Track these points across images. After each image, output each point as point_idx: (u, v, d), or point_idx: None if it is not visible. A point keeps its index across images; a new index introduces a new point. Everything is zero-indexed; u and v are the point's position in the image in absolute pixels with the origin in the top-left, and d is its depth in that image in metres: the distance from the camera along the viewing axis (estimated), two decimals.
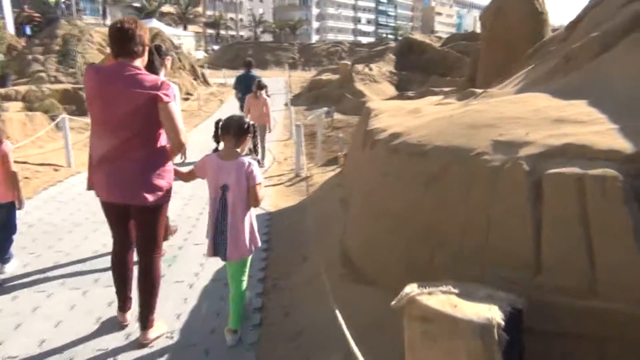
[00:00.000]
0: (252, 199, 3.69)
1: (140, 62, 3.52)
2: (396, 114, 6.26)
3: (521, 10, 15.23)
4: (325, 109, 11.65)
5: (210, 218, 3.76)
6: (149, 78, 3.42)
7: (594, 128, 3.51)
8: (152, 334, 3.90)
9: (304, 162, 10.43)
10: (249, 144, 3.88)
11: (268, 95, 11.18)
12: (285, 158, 12.85)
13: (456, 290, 2.75)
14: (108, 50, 4.53)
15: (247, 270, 3.96)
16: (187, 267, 5.66)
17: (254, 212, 3.87)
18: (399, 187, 4.22)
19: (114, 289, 4.15)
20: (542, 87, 5.02)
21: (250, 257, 3.94)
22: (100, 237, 6.35)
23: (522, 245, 3.16)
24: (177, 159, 4.28)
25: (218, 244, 3.69)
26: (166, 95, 3.37)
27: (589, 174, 2.96)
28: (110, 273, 4.10)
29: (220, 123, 3.74)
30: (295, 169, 10.49)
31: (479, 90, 6.44)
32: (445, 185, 3.75)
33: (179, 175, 3.91)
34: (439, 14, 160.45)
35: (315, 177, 9.72)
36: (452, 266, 3.46)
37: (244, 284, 3.93)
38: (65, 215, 7.43)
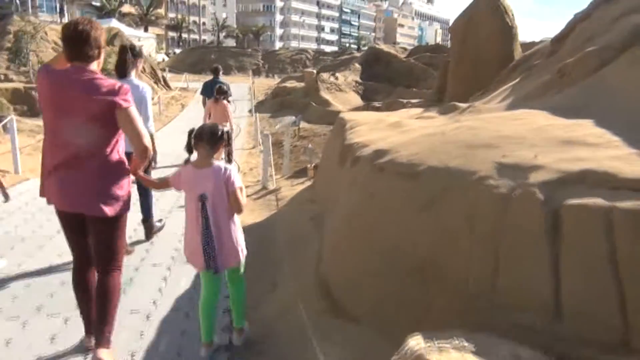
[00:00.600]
0: (235, 205, 3.55)
1: (96, 65, 3.34)
2: (376, 128, 5.84)
3: (491, 24, 15.13)
4: (293, 118, 11.15)
5: (191, 232, 3.60)
6: (106, 83, 3.23)
7: (612, 152, 3.14)
8: (106, 357, 3.46)
9: (272, 172, 9.92)
10: (223, 154, 3.72)
11: (229, 101, 10.87)
12: (251, 168, 12.30)
13: (472, 347, 2.30)
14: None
15: (244, 270, 3.91)
16: (144, 292, 5.07)
17: (237, 218, 3.71)
18: (388, 211, 3.77)
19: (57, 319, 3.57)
20: (537, 103, 4.67)
21: (244, 259, 3.85)
22: (48, 255, 5.70)
23: (537, 286, 2.74)
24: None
25: (208, 256, 3.54)
26: (125, 100, 3.21)
27: (618, 207, 2.57)
28: (55, 299, 3.55)
29: (194, 132, 3.59)
30: (262, 180, 9.96)
31: (462, 104, 6.09)
32: (444, 213, 3.32)
33: (149, 185, 3.84)
34: (401, 25, 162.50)
35: (284, 190, 9.22)
36: (454, 307, 3.02)
37: (244, 284, 3.93)
38: (10, 228, 6.71)
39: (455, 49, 15.51)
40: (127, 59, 5.40)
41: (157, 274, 5.48)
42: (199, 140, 3.54)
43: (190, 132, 3.60)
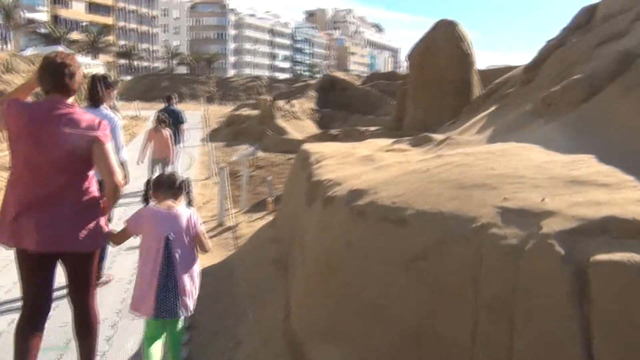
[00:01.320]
0: (202, 246, 3.60)
1: (72, 99, 3.34)
2: (345, 162, 5.35)
3: (449, 52, 15.07)
4: (251, 148, 10.57)
5: (145, 275, 3.45)
6: (85, 117, 3.27)
7: (631, 194, 2.72)
8: None
9: (230, 205, 9.29)
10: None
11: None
12: (205, 201, 11.60)
13: None
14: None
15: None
16: None
17: (199, 265, 3.65)
18: (369, 264, 3.25)
19: None
20: (523, 134, 4.28)
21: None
22: None
23: None
24: None
25: (163, 301, 3.37)
26: (104, 136, 3.25)
27: None
28: None
29: (152, 183, 3.62)
30: (219, 216, 9.30)
31: (436, 136, 5.69)
32: (440, 269, 2.81)
33: (111, 239, 3.65)
34: (353, 53, 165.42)
35: (243, 226, 8.60)
36: None
37: (183, 333, 3.83)
38: None
39: (413, 76, 15.37)
40: (99, 89, 5.41)
41: (100, 334, 4.76)
42: (158, 194, 3.54)
43: (148, 183, 3.60)
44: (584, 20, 5.92)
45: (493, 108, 5.85)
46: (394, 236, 3.16)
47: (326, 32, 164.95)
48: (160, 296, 3.37)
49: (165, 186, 3.54)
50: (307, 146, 7.49)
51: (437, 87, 15.00)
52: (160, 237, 3.39)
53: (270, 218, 9.23)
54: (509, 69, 17.24)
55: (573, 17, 6.08)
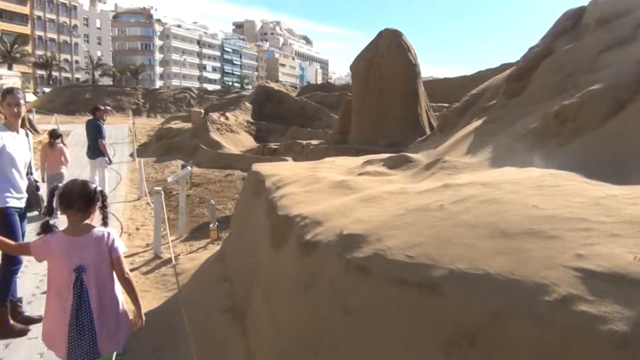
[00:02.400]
0: (120, 275, 3.11)
1: None
2: (314, 189, 4.45)
3: (394, 62, 14.52)
4: (188, 168, 9.45)
5: (54, 312, 3.02)
6: None
7: None
8: None
9: (166, 232, 8.16)
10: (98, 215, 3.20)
11: (64, 144, 10.60)
12: (137, 227, 10.33)
13: None
14: None
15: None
16: None
17: (122, 294, 3.19)
18: (386, 344, 2.36)
19: None
20: (538, 158, 3.54)
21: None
22: None
23: None
24: None
25: (76, 343, 2.92)
26: None
27: None
28: None
29: (58, 191, 3.08)
30: (155, 247, 8.13)
31: (417, 156, 4.90)
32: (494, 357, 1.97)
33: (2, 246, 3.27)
34: (283, 65, 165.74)
35: (184, 259, 7.49)
36: None
37: None
38: None
39: (357, 88, 14.70)
40: None
41: None
42: (67, 205, 3.04)
43: (52, 191, 3.09)
44: (570, 25, 5.36)
45: (477, 123, 5.13)
46: (419, 306, 2.29)
47: (255, 43, 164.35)
48: (73, 337, 2.92)
49: (76, 196, 3.03)
50: (259, 167, 6.54)
51: (382, 98, 14.39)
52: (69, 271, 2.97)
53: (214, 248, 8.17)
54: (446, 80, 16.96)
55: (556, 22, 5.51)
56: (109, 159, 11.91)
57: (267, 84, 30.66)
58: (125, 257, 8.17)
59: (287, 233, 3.71)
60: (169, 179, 9.36)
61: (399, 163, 4.94)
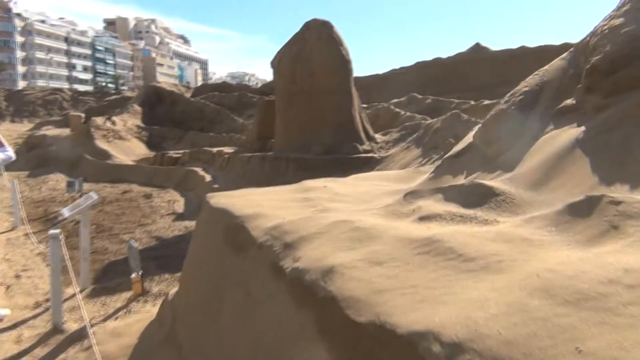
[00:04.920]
0: None
1: None
2: (380, 258, 2.60)
3: (326, 57, 12.76)
4: (92, 196, 6.95)
5: None
6: None
7: None
8: None
9: (74, 284, 5.78)
10: None
11: None
12: (17, 274, 7.67)
13: None
14: None
15: None
16: None
17: None
18: None
19: None
20: None
21: None
22: None
23: None
24: None
25: None
26: None
27: None
28: None
29: None
30: (53, 315, 5.69)
31: (500, 186, 3.18)
32: None
33: None
34: (161, 65, 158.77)
35: (103, 336, 5.15)
36: None
37: None
38: None
39: (283, 87, 12.79)
40: None
41: None
42: None
43: None
44: None
45: (574, 133, 3.50)
46: None
47: (130, 42, 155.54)
48: None
49: None
50: (220, 200, 4.51)
51: (313, 99, 12.58)
52: None
53: (142, 309, 5.91)
54: (356, 80, 15.62)
55: None
56: None
57: (157, 84, 27.66)
58: (4, 328, 5.71)
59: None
60: (66, 212, 6.86)
61: (479, 198, 3.20)
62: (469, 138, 4.94)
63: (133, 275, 6.21)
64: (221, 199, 4.62)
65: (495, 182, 3.40)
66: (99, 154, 18.66)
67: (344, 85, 12.65)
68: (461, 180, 4.16)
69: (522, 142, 4.03)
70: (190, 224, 10.80)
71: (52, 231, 5.49)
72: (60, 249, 5.51)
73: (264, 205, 4.23)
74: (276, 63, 12.98)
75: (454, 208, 3.20)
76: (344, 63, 12.59)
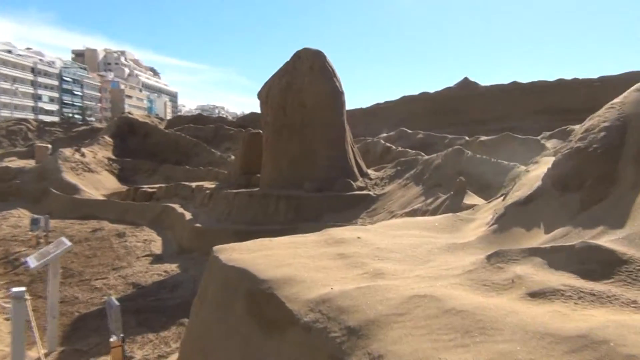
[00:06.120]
0: None
1: None
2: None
3: (319, 88, 12.02)
4: (64, 242, 5.92)
5: None
6: None
7: None
8: None
9: (39, 347, 4.72)
10: None
11: None
12: None
13: None
14: None
15: None
16: None
17: None
18: None
19: None
20: None
21: None
22: None
23: None
24: None
25: None
26: None
27: None
28: None
29: None
30: None
31: (627, 251, 2.39)
32: None
33: None
34: (129, 97, 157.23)
35: None
36: None
37: None
38: None
39: (272, 119, 11.98)
40: None
41: None
42: None
43: None
44: None
45: None
46: None
47: (98, 73, 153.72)
48: None
49: None
50: (232, 257, 3.63)
51: (305, 132, 11.81)
52: None
53: None
54: None
55: None
56: None
57: (130, 115, 26.60)
58: None
59: None
60: (30, 263, 5.80)
61: (602, 267, 2.44)
62: (531, 181, 4.19)
63: (112, 339, 5.18)
64: (234, 254, 3.72)
65: (614, 243, 2.62)
66: (67, 188, 17.46)
67: (337, 118, 11.94)
68: (541, 235, 3.37)
69: (619, 189, 3.27)
70: (171, 267, 9.76)
71: (15, 290, 4.47)
72: (26, 310, 4.48)
73: (293, 265, 3.35)
74: (264, 94, 12.21)
75: (573, 280, 2.40)
76: (337, 95, 11.91)
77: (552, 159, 4.42)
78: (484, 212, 4.79)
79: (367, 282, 2.91)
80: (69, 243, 5.89)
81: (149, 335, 6.10)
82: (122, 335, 5.22)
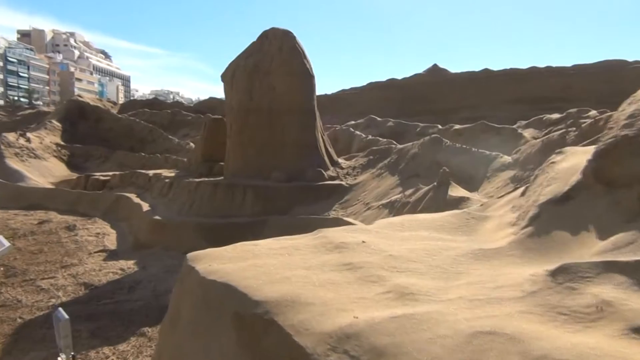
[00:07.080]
0: None
1: None
2: None
3: (289, 70, 11.30)
4: (3, 242, 5.08)
5: None
6: None
7: None
8: None
9: None
10: None
11: None
12: None
13: None
14: None
15: None
16: None
17: None
18: None
19: None
20: None
21: None
22: None
23: None
24: None
25: None
26: None
27: None
28: None
29: None
30: None
31: None
32: None
33: None
34: (79, 80, 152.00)
35: None
36: None
37: None
38: None
39: (238, 103, 11.19)
40: None
41: None
42: None
43: None
44: None
45: None
46: None
47: (46, 55, 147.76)
48: None
49: None
50: (219, 270, 2.93)
51: (274, 118, 11.09)
52: None
53: None
54: None
55: None
56: None
57: (80, 98, 25.15)
58: None
59: None
60: None
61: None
62: (563, 174, 3.63)
63: (61, 358, 4.38)
64: (214, 264, 3.02)
65: None
66: (10, 175, 16.18)
67: (308, 103, 11.27)
68: (594, 241, 2.80)
69: None
70: (127, 264, 8.91)
71: None
72: None
73: (292, 279, 2.68)
74: (229, 77, 11.39)
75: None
76: (308, 78, 11.22)
77: (582, 149, 3.88)
78: (498, 209, 4.23)
79: (397, 308, 2.28)
80: (7, 244, 5.03)
81: (105, 350, 5.30)
82: (72, 354, 4.43)
